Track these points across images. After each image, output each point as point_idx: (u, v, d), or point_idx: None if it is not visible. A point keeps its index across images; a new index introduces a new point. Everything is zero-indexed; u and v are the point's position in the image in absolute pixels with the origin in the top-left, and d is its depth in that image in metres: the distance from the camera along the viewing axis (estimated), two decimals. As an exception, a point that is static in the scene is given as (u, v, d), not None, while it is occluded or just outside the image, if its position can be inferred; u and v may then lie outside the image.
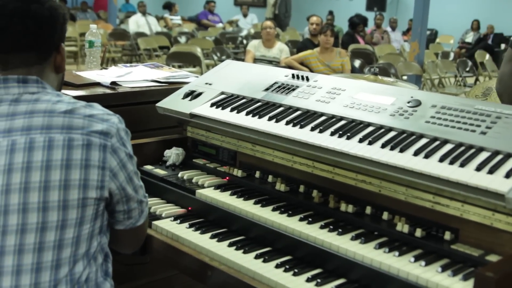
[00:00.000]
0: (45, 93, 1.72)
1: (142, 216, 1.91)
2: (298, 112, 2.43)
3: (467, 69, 12.39)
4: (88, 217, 1.70)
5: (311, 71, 7.83)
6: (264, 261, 1.97)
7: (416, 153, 2.00)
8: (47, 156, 1.63)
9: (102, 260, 1.83)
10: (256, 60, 8.79)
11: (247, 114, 2.50)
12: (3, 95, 1.69)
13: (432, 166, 1.93)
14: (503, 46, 17.11)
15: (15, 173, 1.62)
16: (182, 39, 13.88)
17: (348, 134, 2.18)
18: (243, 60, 9.36)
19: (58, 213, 1.65)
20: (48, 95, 1.72)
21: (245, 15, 19.41)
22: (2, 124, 1.65)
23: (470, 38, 18.16)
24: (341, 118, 2.31)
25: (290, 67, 7.85)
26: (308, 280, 1.86)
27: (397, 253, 1.87)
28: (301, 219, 2.13)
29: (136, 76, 3.31)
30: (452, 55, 15.22)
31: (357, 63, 10.05)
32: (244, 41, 14.45)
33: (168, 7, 18.63)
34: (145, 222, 1.96)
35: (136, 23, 14.96)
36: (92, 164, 1.68)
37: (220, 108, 2.62)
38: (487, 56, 13.29)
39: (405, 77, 10.45)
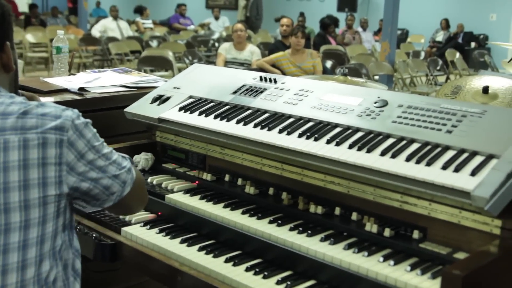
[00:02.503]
0: None
1: (126, 185, 1.85)
2: (266, 115, 2.43)
3: (438, 67, 12.48)
4: (50, 215, 1.68)
5: (283, 73, 7.84)
6: (234, 265, 1.96)
7: (383, 153, 2.01)
8: (3, 158, 1.61)
9: (70, 256, 1.81)
10: (227, 63, 8.78)
11: (215, 117, 2.50)
12: None
13: (399, 165, 1.94)
14: (473, 44, 17.30)
15: None
16: (154, 43, 13.83)
17: (316, 135, 2.19)
18: (214, 63, 9.35)
19: (20, 213, 1.63)
20: (1, 97, 1.69)
21: (216, 18, 19.37)
22: None
23: (440, 37, 18.30)
24: (309, 120, 2.32)
25: (261, 69, 7.85)
26: (278, 282, 1.86)
27: (366, 253, 1.88)
28: (270, 222, 2.13)
29: (104, 81, 3.30)
30: (423, 54, 15.33)
31: (328, 64, 10.07)
32: (216, 44, 14.45)
33: (140, 11, 18.54)
34: (133, 187, 1.88)
35: (103, 26, 14.84)
36: (49, 162, 1.65)
37: (189, 112, 2.61)
38: (457, 54, 13.40)
39: (376, 77, 10.51)
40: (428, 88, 11.31)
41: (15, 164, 1.62)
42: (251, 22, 16.75)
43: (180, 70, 10.74)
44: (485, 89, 2.95)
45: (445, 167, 1.87)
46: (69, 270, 1.80)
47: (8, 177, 1.61)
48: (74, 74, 3.54)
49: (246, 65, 8.63)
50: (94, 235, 2.25)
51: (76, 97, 2.99)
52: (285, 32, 9.50)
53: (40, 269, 1.68)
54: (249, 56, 8.85)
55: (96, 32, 14.73)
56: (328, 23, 14.50)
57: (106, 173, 1.77)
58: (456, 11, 18.83)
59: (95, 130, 1.77)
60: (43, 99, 2.79)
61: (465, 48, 16.33)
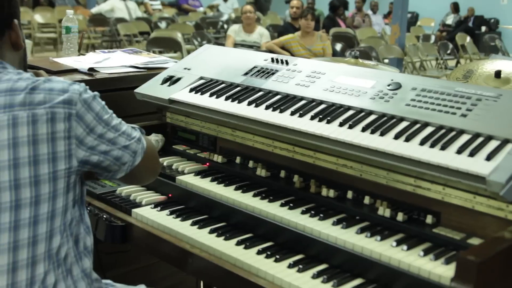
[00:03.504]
0: (5, 73, 1.69)
1: (136, 155, 1.84)
2: (278, 97, 2.41)
3: (448, 51, 12.41)
4: (60, 190, 1.68)
5: (292, 55, 7.80)
6: (245, 248, 1.95)
7: (396, 137, 1.99)
8: (12, 134, 1.60)
9: (81, 231, 1.80)
10: (236, 45, 8.75)
11: (227, 99, 2.48)
12: None
13: (413, 149, 1.92)
14: (483, 28, 17.19)
15: None
16: (163, 25, 13.80)
17: (328, 118, 2.16)
18: (223, 45, 9.31)
19: (31, 189, 1.62)
20: (9, 74, 1.69)
21: (225, 0, 19.30)
22: None
23: (450, 20, 18.19)
24: (321, 102, 2.29)
25: (271, 51, 7.82)
26: (290, 266, 1.84)
27: (379, 238, 1.86)
28: (282, 205, 2.11)
29: (114, 62, 3.28)
30: (433, 38, 15.23)
31: (338, 46, 10.03)
32: (225, 26, 14.40)
33: (148, -8, 18.48)
34: (145, 157, 1.88)
35: (111, 5, 14.76)
36: (58, 136, 1.65)
37: (199, 93, 2.59)
38: (468, 38, 13.32)
39: (386, 61, 10.45)
40: (438, 72, 11.24)
41: (25, 140, 1.61)
42: (260, 4, 16.70)
43: (188, 51, 10.72)
44: (498, 73, 2.92)
45: (460, 151, 1.85)
46: (80, 246, 1.80)
47: (18, 153, 1.60)
48: (84, 55, 3.52)
49: (255, 48, 8.60)
50: (104, 216, 2.24)
51: (86, 77, 2.97)
52: (294, 14, 9.46)
53: (51, 245, 1.67)
54: (258, 38, 8.81)
55: (102, 8, 14.63)
56: (337, 5, 14.43)
57: (116, 145, 1.77)
58: (466, -6, 18.70)
59: (103, 102, 1.76)
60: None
61: (475, 32, 16.23)
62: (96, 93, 1.76)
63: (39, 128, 1.62)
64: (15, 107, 1.62)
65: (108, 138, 1.75)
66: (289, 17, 11.59)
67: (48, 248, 1.67)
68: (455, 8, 18.10)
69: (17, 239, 1.62)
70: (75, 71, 3.06)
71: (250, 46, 8.65)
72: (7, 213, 1.61)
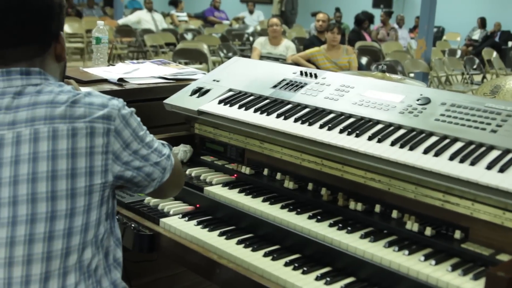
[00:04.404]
0: (47, 84, 1.72)
1: (166, 172, 1.88)
2: (307, 110, 2.42)
3: (474, 66, 12.35)
4: (94, 204, 1.70)
5: (318, 68, 7.80)
6: (272, 259, 1.96)
7: (426, 151, 1.99)
8: (52, 146, 1.63)
9: (111, 244, 1.83)
10: (262, 58, 8.78)
11: (255, 111, 2.50)
12: (6, 88, 1.68)
13: (442, 164, 1.92)
14: (510, 43, 17.07)
15: (22, 164, 1.62)
16: (189, 36, 13.87)
17: (357, 131, 2.17)
18: (249, 57, 9.34)
19: (67, 201, 1.65)
20: (51, 86, 1.71)
21: (251, 12, 19.38)
22: (6, 116, 1.65)
23: (477, 35, 18.10)
24: (350, 116, 2.30)
25: (296, 64, 7.83)
26: (317, 278, 1.84)
27: (406, 252, 1.86)
28: (310, 217, 2.12)
29: (143, 72, 3.31)
30: (459, 52, 15.17)
31: (364, 60, 10.02)
32: (251, 38, 14.45)
33: (174, 3, 18.61)
34: (172, 173, 1.92)
35: (138, 17, 14.88)
36: (97, 151, 1.67)
37: (228, 105, 2.61)
38: (494, 53, 13.24)
39: (412, 75, 10.43)
40: (464, 87, 11.19)
41: (64, 153, 1.64)
42: (285, 17, 16.74)
43: (214, 63, 10.79)
44: (527, 89, 2.90)
45: (489, 167, 1.84)
46: (110, 259, 1.82)
47: (56, 165, 1.63)
48: (113, 65, 3.56)
49: (281, 60, 8.62)
50: (133, 225, 2.26)
51: (115, 87, 3.00)
52: (321, 28, 9.47)
53: (82, 257, 1.70)
54: (284, 51, 8.84)
55: (129, 19, 14.76)
56: (363, 19, 14.42)
57: (149, 161, 1.80)
58: (493, 9, 18.63)
59: (139, 119, 1.79)
60: (82, 89, 2.81)
61: (502, 47, 16.11)
62: (132, 109, 1.79)
63: (78, 141, 1.65)
64: (56, 120, 1.64)
65: (141, 154, 1.78)
66: (314, 30, 11.61)
67: (80, 259, 1.70)
68: (482, 23, 18.02)
69: (51, 249, 1.65)
70: (104, 81, 3.10)
71: (276, 59, 8.67)
72: (42, 224, 1.63)
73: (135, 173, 1.78)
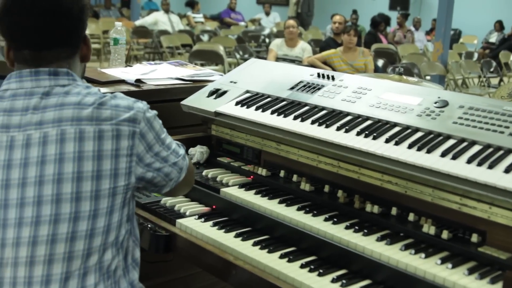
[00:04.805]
0: (75, 86, 1.74)
1: (182, 171, 1.91)
2: (324, 112, 2.42)
3: (491, 69, 12.28)
4: (117, 206, 1.72)
5: (334, 70, 7.80)
6: (288, 261, 1.96)
7: (443, 154, 1.98)
8: (78, 148, 1.65)
9: (131, 244, 1.84)
10: (278, 59, 8.78)
11: (272, 113, 2.50)
12: (34, 88, 1.71)
13: (460, 167, 1.91)
14: (527, 46, 16.95)
15: (48, 165, 1.64)
16: (205, 37, 13.90)
17: (374, 134, 2.17)
18: (265, 58, 9.34)
19: (91, 203, 1.67)
20: (78, 87, 1.74)
21: (267, 14, 19.38)
22: (34, 116, 1.68)
23: (494, 38, 17.99)
24: (367, 118, 2.30)
25: (313, 66, 7.82)
26: (333, 280, 1.84)
27: (423, 255, 1.86)
28: (326, 219, 2.12)
29: (160, 74, 3.32)
30: (476, 55, 15.09)
31: (380, 62, 9.99)
32: (267, 40, 14.45)
33: (191, 5, 18.65)
34: (187, 173, 1.95)
35: (155, 19, 14.92)
36: (122, 153, 1.70)
37: (245, 106, 2.61)
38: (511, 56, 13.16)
39: (428, 77, 10.38)
40: (481, 90, 11.13)
41: (90, 155, 1.66)
42: (302, 19, 16.71)
43: (230, 64, 10.80)
44: (545, 93, 2.89)
45: (507, 170, 1.84)
46: (129, 259, 1.83)
47: (82, 167, 1.65)
48: (131, 66, 3.57)
49: (297, 62, 8.61)
50: (149, 225, 2.27)
51: (133, 88, 3.02)
52: (337, 30, 9.46)
53: (103, 258, 1.71)
54: (300, 53, 8.83)
55: (146, 21, 14.82)
56: (379, 21, 14.37)
57: (168, 162, 1.83)
58: (510, 12, 18.50)
59: (161, 121, 1.82)
60: (100, 90, 2.83)
61: (519, 50, 16.00)
62: (155, 111, 1.82)
63: (105, 144, 1.67)
64: (83, 121, 1.67)
65: (162, 156, 1.81)
66: (330, 32, 11.59)
67: (100, 260, 1.71)
68: (499, 26, 17.92)
69: (72, 250, 1.66)
70: (122, 82, 3.11)
71: (292, 61, 8.66)
72: (65, 224, 1.65)
73: (155, 173, 1.80)
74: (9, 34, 1.75)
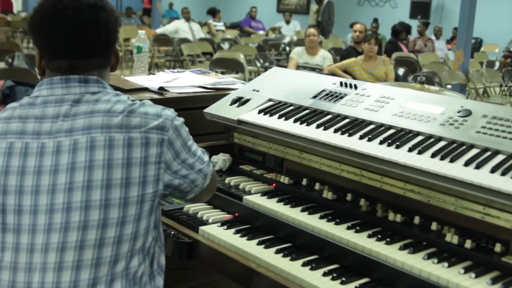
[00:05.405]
0: (105, 93, 1.77)
1: (206, 178, 1.94)
2: (346, 120, 2.43)
3: (513, 78, 12.19)
4: (145, 213, 1.74)
5: (354, 79, 7.78)
6: (311, 269, 1.97)
7: (466, 164, 1.98)
8: (108, 155, 1.67)
9: (157, 250, 1.86)
10: (299, 67, 8.78)
11: (295, 121, 2.51)
12: (65, 95, 1.74)
13: (483, 177, 1.91)
14: (549, 55, 16.82)
15: (78, 172, 1.66)
16: (225, 46, 13.94)
17: (397, 143, 2.17)
18: (285, 66, 9.35)
19: (119, 210, 1.69)
20: (108, 95, 1.77)
21: (287, 22, 19.40)
22: (64, 124, 1.70)
23: (515, 47, 17.87)
24: (390, 127, 2.30)
25: (333, 74, 7.82)
26: (356, 289, 1.85)
27: (446, 264, 1.86)
28: (348, 228, 2.13)
29: (183, 81, 3.34)
30: (497, 64, 14.99)
31: (400, 71, 9.95)
32: (287, 48, 14.45)
33: (212, 13, 18.70)
34: (211, 180, 1.98)
35: (175, 27, 14.99)
36: (150, 161, 1.72)
37: (268, 115, 2.63)
38: (534, 65, 13.07)
39: (449, 86, 10.34)
40: (502, 99, 11.07)
41: (119, 162, 1.68)
42: (322, 27, 16.67)
43: (251, 73, 10.82)
44: None
45: (531, 180, 1.83)
46: (155, 265, 1.85)
47: (112, 174, 1.67)
48: (154, 74, 3.60)
49: (317, 70, 8.61)
50: (172, 232, 2.29)
51: (156, 96, 3.04)
52: (357, 38, 9.45)
53: (130, 264, 1.73)
54: (321, 61, 8.83)
55: (167, 29, 14.89)
56: (399, 30, 14.32)
57: (194, 169, 1.86)
58: (532, 21, 18.39)
59: (187, 128, 1.84)
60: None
61: (541, 60, 15.88)
62: (182, 119, 1.85)
63: (134, 151, 1.70)
64: (112, 129, 1.69)
65: (188, 163, 1.83)
66: (350, 40, 11.58)
67: (127, 267, 1.73)
68: (521, 35, 17.80)
69: (100, 256, 1.68)
70: (145, 89, 3.14)
71: (313, 69, 8.66)
72: (94, 231, 1.67)
73: (182, 180, 1.83)
74: (47, 44, 1.78)
